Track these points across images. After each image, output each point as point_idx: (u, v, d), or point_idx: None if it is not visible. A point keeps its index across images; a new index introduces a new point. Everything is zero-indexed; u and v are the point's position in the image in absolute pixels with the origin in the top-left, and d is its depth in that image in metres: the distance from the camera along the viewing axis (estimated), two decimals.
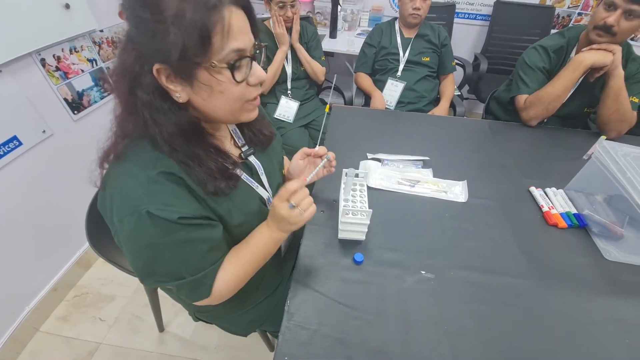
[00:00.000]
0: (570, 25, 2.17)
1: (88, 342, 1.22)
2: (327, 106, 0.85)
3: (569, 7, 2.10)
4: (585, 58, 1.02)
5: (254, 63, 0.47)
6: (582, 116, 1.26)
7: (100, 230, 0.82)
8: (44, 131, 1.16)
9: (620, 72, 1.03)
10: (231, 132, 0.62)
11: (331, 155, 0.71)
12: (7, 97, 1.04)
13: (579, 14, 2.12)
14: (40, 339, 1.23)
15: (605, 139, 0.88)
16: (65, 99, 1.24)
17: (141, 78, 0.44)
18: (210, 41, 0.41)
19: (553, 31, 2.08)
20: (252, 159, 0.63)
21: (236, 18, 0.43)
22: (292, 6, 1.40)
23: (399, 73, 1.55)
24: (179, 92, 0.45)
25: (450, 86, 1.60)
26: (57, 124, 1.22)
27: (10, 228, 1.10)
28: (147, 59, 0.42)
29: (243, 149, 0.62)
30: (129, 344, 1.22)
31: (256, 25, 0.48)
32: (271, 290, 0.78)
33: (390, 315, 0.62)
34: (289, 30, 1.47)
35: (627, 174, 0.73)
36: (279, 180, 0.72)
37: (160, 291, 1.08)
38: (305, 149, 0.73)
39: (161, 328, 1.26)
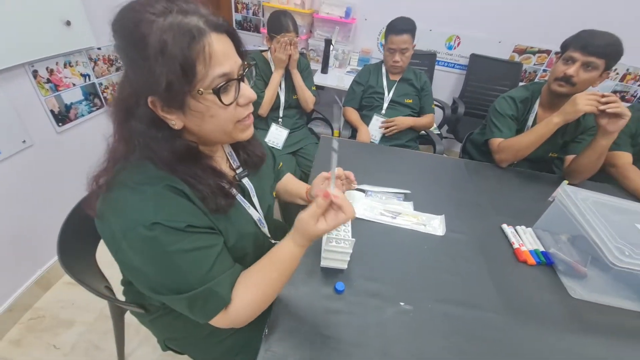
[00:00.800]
0: (535, 80, 2.43)
1: None
2: (337, 132, 0.89)
3: (534, 64, 2.37)
4: (554, 117, 1.11)
5: (242, 84, 0.49)
6: (548, 160, 1.38)
7: (71, 248, 0.78)
8: (24, 141, 1.13)
9: (614, 136, 1.06)
10: (227, 154, 0.64)
11: (350, 173, 0.75)
12: None
13: (544, 70, 2.38)
14: None
15: (568, 184, 0.96)
16: (52, 111, 1.22)
17: (136, 110, 0.46)
18: (193, 71, 0.43)
19: (521, 84, 2.32)
20: (246, 180, 0.64)
21: (219, 44, 0.44)
22: (291, 41, 1.49)
23: (383, 110, 1.66)
24: (174, 120, 0.48)
25: (428, 118, 1.68)
26: (39, 134, 1.19)
27: None
28: (140, 92, 0.45)
29: (237, 171, 0.64)
30: None
31: (241, 47, 0.50)
32: None
33: (370, 348, 0.62)
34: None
35: (586, 216, 0.80)
36: (269, 202, 0.73)
37: (127, 316, 1.02)
38: (324, 173, 0.75)
39: (122, 359, 1.16)
